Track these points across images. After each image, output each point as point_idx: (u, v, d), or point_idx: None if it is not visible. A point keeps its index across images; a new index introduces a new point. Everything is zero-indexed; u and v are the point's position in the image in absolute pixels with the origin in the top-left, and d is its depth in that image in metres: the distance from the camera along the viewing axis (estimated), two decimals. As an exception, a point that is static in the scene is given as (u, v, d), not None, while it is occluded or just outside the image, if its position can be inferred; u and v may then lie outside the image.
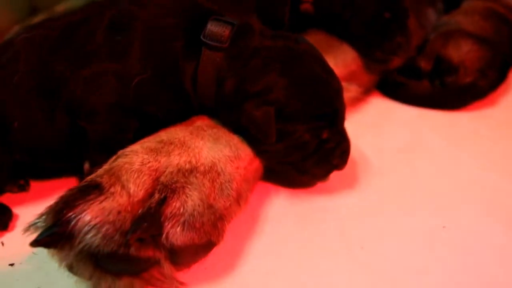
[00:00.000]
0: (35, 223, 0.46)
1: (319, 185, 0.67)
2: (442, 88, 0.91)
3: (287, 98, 0.56)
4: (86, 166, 0.61)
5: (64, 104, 0.58)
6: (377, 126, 0.83)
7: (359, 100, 0.91)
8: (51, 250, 0.46)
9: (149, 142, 0.54)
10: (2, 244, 0.58)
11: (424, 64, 0.91)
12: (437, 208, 0.63)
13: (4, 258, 0.55)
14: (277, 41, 0.59)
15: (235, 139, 0.59)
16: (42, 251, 0.54)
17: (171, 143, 0.53)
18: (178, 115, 0.61)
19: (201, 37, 0.57)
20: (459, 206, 0.64)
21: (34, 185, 0.67)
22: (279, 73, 0.56)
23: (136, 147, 0.53)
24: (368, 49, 0.84)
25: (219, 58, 0.57)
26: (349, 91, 0.88)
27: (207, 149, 0.54)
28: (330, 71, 0.61)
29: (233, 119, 0.59)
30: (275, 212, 0.62)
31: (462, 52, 0.89)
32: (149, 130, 0.59)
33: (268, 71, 0.56)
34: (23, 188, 0.66)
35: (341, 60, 0.91)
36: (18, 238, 0.58)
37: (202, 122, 0.60)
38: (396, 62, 0.90)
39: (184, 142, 0.54)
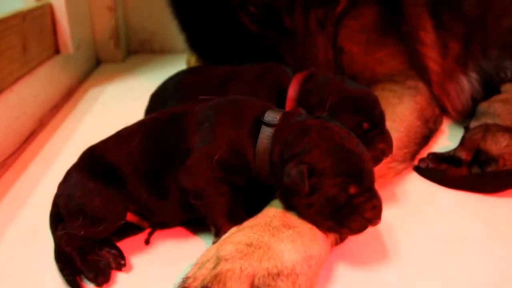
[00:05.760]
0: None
1: (371, 271, 0.77)
2: (480, 173, 1.01)
3: (318, 158, 0.69)
4: (212, 227, 0.79)
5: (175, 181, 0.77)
6: (422, 212, 0.93)
7: (400, 172, 1.04)
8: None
9: (240, 244, 0.66)
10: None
11: (465, 156, 1.01)
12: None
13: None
14: (316, 120, 0.74)
15: (306, 238, 0.70)
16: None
17: (260, 247, 0.65)
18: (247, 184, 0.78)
19: (261, 119, 0.76)
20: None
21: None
22: (314, 139, 0.71)
23: (231, 249, 0.65)
24: None
25: (271, 132, 0.75)
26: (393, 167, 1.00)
27: (288, 252, 0.66)
28: (357, 144, 0.72)
29: (280, 181, 0.72)
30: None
31: (501, 146, 0.99)
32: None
33: (306, 138, 0.71)
34: (119, 268, 0.77)
35: (398, 117, 1.07)
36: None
37: (278, 221, 0.72)
38: None
39: (270, 247, 0.66)
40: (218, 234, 0.76)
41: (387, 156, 0.86)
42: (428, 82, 1.25)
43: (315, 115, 0.78)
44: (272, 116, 0.77)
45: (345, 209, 0.71)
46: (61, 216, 0.78)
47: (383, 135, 0.86)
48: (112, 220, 0.76)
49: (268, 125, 0.76)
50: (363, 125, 0.84)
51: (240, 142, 0.76)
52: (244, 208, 0.79)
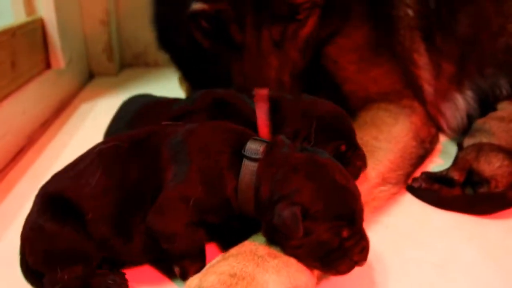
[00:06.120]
0: None
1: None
2: (472, 195, 1.00)
3: (311, 199, 0.66)
4: (177, 270, 0.74)
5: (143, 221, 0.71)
6: (415, 235, 0.91)
7: (394, 194, 1.01)
8: None
9: (223, 274, 0.64)
10: None
11: (458, 176, 0.99)
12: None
13: None
14: (304, 153, 0.70)
15: (292, 268, 0.68)
16: None
17: (243, 278, 0.63)
18: (227, 220, 0.74)
19: (242, 151, 0.71)
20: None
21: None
22: (305, 178, 0.67)
23: (214, 280, 0.63)
24: None
25: (256, 167, 0.69)
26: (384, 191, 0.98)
27: (273, 283, 0.64)
28: (348, 179, 0.70)
29: (268, 220, 0.68)
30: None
31: (494, 167, 0.97)
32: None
33: (296, 176, 0.67)
34: None
35: (394, 138, 1.06)
36: None
37: (263, 250, 0.69)
38: None
39: (253, 277, 0.64)
40: (184, 277, 0.72)
41: (363, 171, 0.87)
42: (423, 102, 1.23)
43: (301, 145, 0.74)
44: (254, 149, 0.71)
45: (335, 252, 0.68)
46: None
47: (358, 151, 0.87)
48: (85, 256, 0.71)
49: (250, 159, 0.71)
50: (340, 148, 0.84)
51: (219, 175, 0.71)
52: (227, 236, 0.77)
